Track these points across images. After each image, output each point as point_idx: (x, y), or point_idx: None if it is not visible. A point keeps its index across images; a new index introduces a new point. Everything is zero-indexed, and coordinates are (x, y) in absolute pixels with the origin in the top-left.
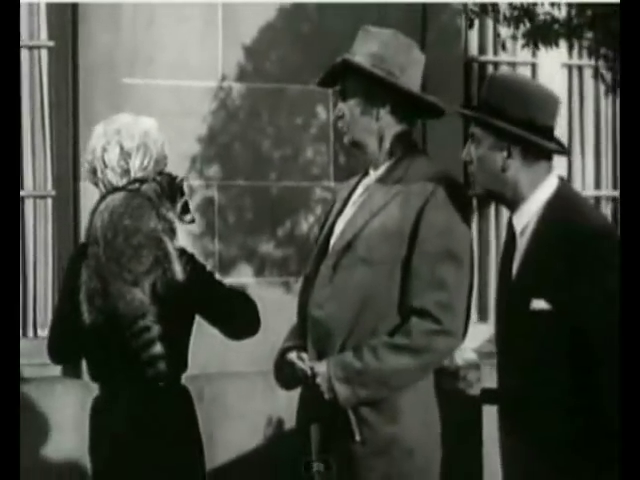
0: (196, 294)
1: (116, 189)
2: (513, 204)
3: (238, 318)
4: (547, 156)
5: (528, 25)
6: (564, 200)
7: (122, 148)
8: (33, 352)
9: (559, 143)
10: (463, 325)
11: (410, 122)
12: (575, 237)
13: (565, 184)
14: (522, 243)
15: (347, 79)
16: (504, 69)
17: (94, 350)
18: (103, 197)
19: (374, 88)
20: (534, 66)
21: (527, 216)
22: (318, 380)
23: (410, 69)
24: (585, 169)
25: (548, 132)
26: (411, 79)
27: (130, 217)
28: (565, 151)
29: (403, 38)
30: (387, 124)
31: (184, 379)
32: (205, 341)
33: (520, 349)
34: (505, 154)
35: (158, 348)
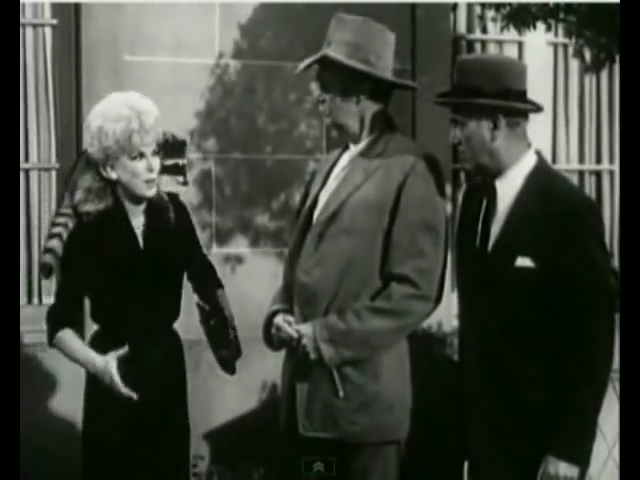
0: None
1: None
2: (497, 172)
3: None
4: (525, 117)
5: (508, 8)
6: (546, 172)
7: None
8: (38, 319)
9: (533, 103)
10: (439, 291)
11: (386, 99)
12: (562, 205)
13: (543, 158)
14: (503, 207)
15: (325, 70)
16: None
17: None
18: None
19: (353, 77)
20: (520, 44)
21: (510, 183)
22: (304, 341)
23: (384, 52)
24: (569, 143)
25: (522, 96)
26: (386, 61)
27: None
28: (541, 108)
29: (374, 24)
30: (366, 105)
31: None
32: None
33: (499, 300)
34: (491, 126)
35: None
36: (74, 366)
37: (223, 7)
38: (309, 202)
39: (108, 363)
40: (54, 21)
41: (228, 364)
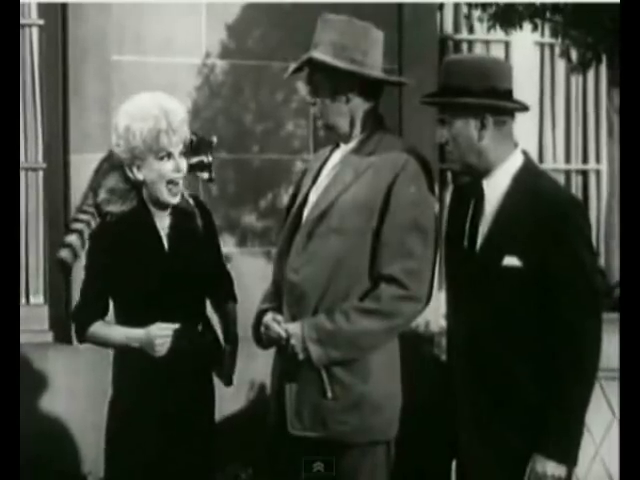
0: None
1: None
2: (484, 172)
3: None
4: (512, 116)
5: (494, 8)
6: (532, 171)
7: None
8: (25, 319)
9: (519, 102)
10: (428, 291)
11: (376, 97)
12: (549, 205)
13: (530, 157)
14: (490, 207)
15: (314, 73)
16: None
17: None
18: None
19: (341, 77)
20: (507, 44)
21: (497, 182)
22: (292, 341)
23: (371, 50)
24: (556, 143)
25: (508, 95)
26: (374, 59)
27: None
28: (527, 108)
29: (359, 22)
30: (357, 104)
31: None
32: None
33: (487, 300)
34: (479, 125)
35: None
36: (65, 365)
37: (210, 7)
38: (299, 200)
39: (150, 329)
40: (41, 21)
41: (224, 376)
